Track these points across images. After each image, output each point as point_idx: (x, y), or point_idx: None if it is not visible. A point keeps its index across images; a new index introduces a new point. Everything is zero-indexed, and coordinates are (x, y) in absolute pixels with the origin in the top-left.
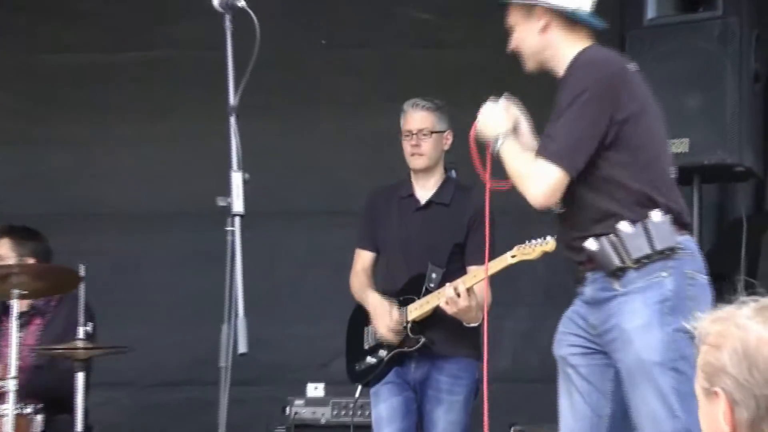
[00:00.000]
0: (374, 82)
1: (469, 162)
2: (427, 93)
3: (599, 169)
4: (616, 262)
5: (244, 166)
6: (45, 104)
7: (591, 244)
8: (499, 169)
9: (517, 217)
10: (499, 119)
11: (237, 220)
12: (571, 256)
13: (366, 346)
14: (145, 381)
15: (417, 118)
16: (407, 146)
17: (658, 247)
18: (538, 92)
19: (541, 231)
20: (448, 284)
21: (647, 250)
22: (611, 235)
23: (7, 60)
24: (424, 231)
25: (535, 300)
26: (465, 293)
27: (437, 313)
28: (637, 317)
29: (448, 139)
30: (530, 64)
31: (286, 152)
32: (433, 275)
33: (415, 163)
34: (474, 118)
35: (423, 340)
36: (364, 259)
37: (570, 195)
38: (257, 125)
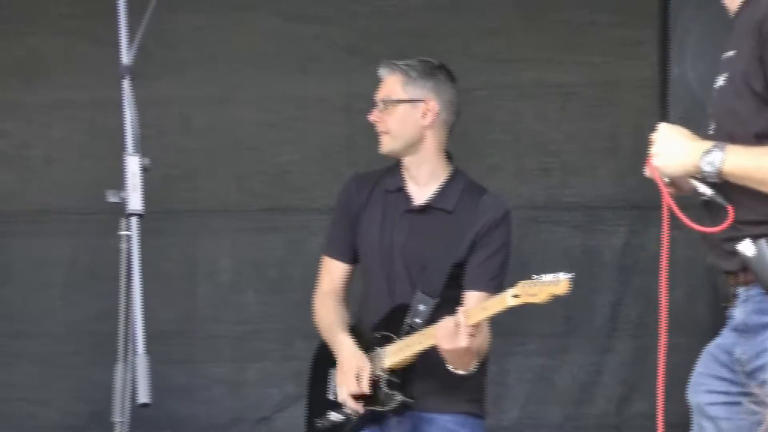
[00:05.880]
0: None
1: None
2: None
3: None
4: None
5: (144, 148)
6: None
7: (747, 247)
8: None
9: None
10: (685, 141)
11: (134, 221)
12: (717, 263)
13: (331, 396)
14: None
15: (381, 83)
16: None
17: None
18: None
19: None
20: (446, 318)
21: None
22: None
23: None
24: (414, 242)
25: (551, 329)
26: (466, 330)
27: (424, 358)
28: None
29: (428, 110)
30: None
31: (204, 127)
32: (421, 307)
33: (380, 145)
34: None
35: (400, 398)
36: (333, 272)
37: None
38: (154, 91)
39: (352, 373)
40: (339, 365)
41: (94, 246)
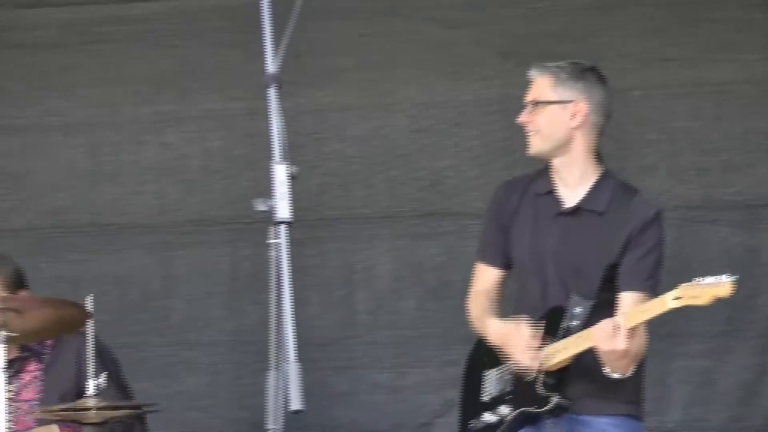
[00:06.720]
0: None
1: None
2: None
3: None
4: None
5: (300, 156)
6: (17, 76)
7: None
8: None
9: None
10: None
11: (283, 229)
12: None
13: (485, 398)
14: None
15: (531, 85)
16: None
17: None
18: None
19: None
20: (604, 320)
21: None
22: None
23: None
24: (567, 245)
25: (712, 330)
26: (625, 333)
27: (579, 360)
28: None
29: (577, 111)
30: None
31: (360, 134)
32: (577, 309)
33: (529, 147)
34: None
35: (557, 399)
36: (487, 277)
37: None
38: (311, 99)
39: (514, 331)
40: (497, 340)
41: (254, 254)
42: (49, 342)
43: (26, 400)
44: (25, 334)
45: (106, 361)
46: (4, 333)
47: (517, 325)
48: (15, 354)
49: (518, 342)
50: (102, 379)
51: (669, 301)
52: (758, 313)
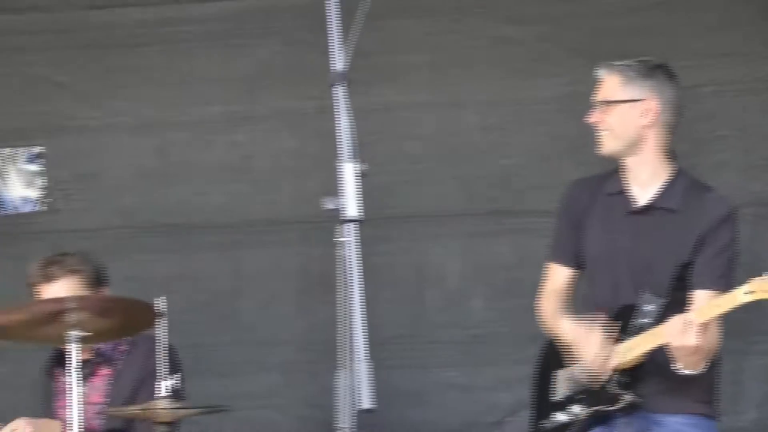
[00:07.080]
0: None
1: None
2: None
3: None
4: None
5: (369, 154)
6: (87, 77)
7: None
8: None
9: None
10: None
11: (352, 227)
12: None
13: (557, 397)
14: None
15: (600, 84)
16: None
17: None
18: None
19: None
20: (676, 316)
21: None
22: None
23: (43, 19)
24: (639, 244)
25: None
26: (696, 329)
27: (653, 357)
28: None
29: (648, 110)
30: None
31: (430, 132)
32: (648, 307)
33: (600, 146)
34: None
35: (629, 398)
36: (558, 277)
37: None
38: (380, 97)
39: (586, 335)
40: (570, 341)
41: (324, 253)
42: (122, 348)
43: (94, 404)
44: (97, 334)
45: (178, 364)
46: (77, 332)
47: (591, 326)
48: (87, 356)
49: (590, 345)
50: (174, 380)
51: (740, 295)
52: None
